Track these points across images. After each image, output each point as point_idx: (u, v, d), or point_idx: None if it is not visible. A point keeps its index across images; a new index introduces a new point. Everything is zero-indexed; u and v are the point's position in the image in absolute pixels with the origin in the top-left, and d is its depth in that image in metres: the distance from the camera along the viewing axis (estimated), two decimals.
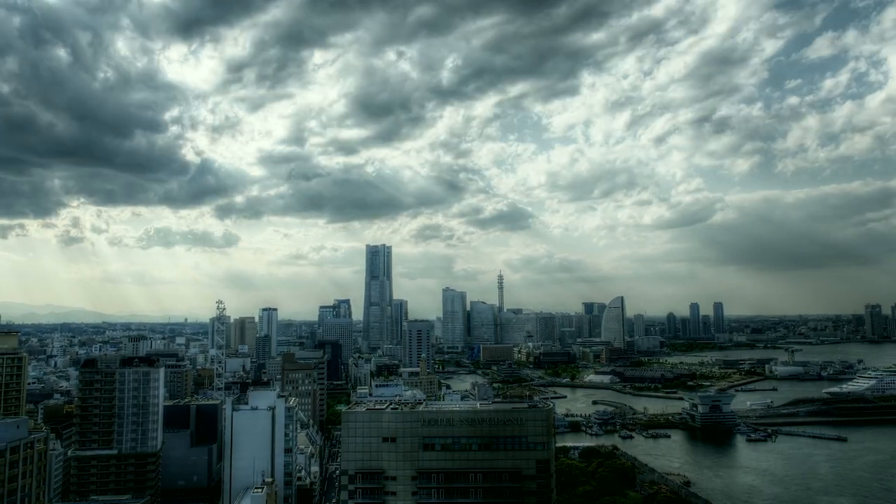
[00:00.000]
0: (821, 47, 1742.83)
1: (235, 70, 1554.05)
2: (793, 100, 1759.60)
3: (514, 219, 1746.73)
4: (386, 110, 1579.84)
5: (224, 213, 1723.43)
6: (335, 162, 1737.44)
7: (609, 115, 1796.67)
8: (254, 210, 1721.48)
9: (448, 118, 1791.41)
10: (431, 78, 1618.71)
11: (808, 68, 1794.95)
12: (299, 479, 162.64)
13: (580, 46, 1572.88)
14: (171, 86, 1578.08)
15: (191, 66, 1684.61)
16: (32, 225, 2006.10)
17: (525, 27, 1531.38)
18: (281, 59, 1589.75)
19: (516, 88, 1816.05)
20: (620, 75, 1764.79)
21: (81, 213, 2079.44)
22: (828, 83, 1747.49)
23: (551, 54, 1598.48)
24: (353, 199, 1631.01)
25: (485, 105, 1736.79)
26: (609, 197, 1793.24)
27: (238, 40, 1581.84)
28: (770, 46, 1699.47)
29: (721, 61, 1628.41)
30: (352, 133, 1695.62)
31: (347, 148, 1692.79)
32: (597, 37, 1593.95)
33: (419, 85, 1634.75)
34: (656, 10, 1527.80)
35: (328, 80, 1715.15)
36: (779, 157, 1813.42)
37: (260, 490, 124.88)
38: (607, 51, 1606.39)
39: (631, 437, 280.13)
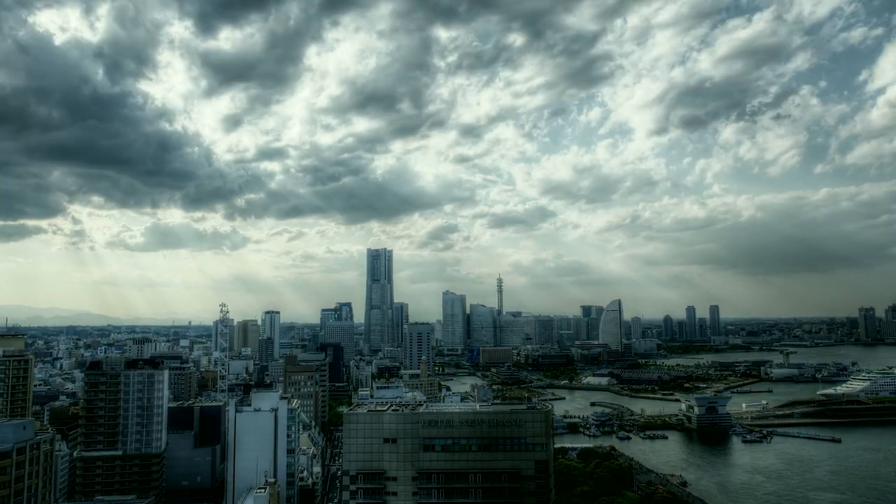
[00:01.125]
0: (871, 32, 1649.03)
1: (246, 65, 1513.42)
2: (824, 97, 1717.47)
3: (529, 220, 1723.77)
4: (399, 102, 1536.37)
5: (229, 216, 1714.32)
6: (348, 160, 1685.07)
7: (637, 111, 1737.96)
8: (259, 213, 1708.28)
9: (468, 112, 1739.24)
10: (448, 64, 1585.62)
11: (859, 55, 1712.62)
12: (301, 479, 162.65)
13: (611, 34, 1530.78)
14: (180, 81, 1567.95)
15: (198, 59, 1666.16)
16: (38, 228, 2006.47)
17: (554, 12, 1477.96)
18: (291, 55, 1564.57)
19: (541, 79, 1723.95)
20: (653, 68, 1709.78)
21: (86, 216, 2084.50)
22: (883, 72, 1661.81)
23: (580, 41, 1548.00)
24: (364, 201, 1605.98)
25: (508, 96, 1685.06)
26: (623, 199, 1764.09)
27: (249, 32, 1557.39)
28: (820, 32, 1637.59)
29: (767, 51, 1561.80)
30: (365, 131, 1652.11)
31: (360, 147, 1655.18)
32: (630, 24, 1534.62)
33: (434, 74, 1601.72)
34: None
35: (341, 72, 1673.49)
36: (817, 156, 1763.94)
37: (263, 490, 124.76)
38: (640, 41, 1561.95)
39: (628, 438, 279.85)
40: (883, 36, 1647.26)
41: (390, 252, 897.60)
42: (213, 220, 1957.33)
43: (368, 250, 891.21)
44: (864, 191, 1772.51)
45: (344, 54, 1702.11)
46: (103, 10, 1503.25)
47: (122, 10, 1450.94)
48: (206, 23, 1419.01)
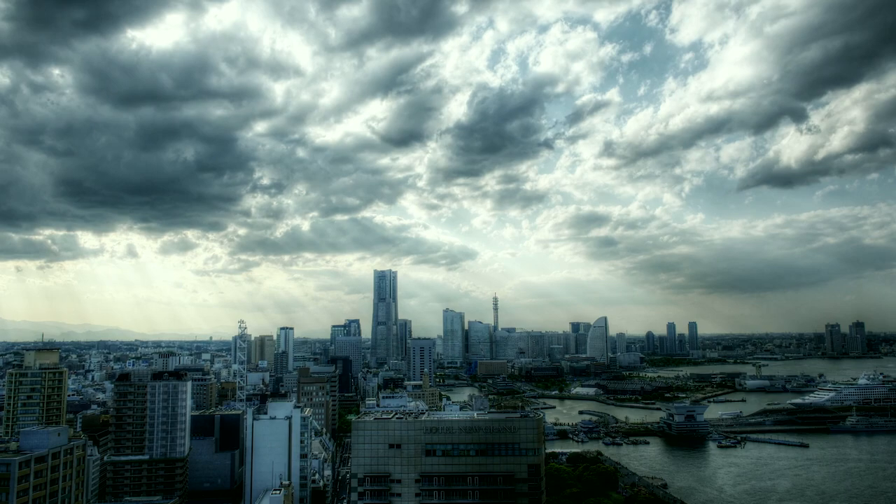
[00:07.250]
0: None
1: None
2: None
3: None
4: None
5: (249, 239, 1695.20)
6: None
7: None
8: (275, 235, 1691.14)
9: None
10: None
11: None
12: (314, 481, 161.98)
13: None
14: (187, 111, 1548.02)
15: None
16: (72, 251, 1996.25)
17: None
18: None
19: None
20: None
21: (118, 240, 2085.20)
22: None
23: None
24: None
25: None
26: (624, 214, 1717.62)
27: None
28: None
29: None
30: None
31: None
32: None
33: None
34: None
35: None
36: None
37: (278, 492, 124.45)
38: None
39: (614, 444, 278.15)
40: None
41: (395, 273, 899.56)
42: (230, 244, 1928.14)
43: (375, 271, 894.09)
44: (831, 215, 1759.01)
45: None
46: None
47: None
48: None
